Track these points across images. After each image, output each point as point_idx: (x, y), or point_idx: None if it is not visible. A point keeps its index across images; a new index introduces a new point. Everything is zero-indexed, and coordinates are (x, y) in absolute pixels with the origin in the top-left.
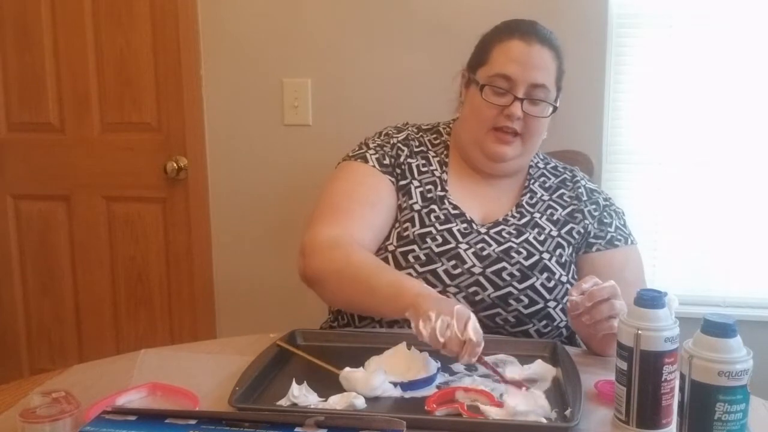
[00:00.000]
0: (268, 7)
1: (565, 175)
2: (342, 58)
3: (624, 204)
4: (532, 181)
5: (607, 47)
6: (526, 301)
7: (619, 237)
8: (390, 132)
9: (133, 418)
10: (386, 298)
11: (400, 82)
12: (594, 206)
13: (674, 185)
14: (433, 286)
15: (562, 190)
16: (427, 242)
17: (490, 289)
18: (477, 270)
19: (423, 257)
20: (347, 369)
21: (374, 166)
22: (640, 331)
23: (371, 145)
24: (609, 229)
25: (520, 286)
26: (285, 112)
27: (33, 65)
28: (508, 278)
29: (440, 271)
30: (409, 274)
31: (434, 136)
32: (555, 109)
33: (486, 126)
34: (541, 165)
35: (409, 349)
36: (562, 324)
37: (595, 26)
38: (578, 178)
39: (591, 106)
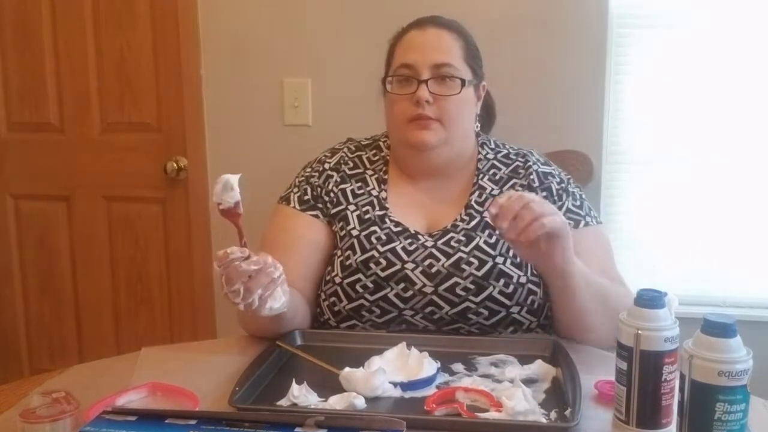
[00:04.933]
0: (268, 7)
1: (518, 162)
2: (342, 58)
3: (624, 204)
4: (481, 175)
5: (607, 47)
6: (486, 312)
7: (568, 221)
8: (323, 158)
9: (133, 418)
10: None
11: None
12: (545, 193)
13: (674, 185)
14: (388, 311)
15: (513, 180)
16: (371, 268)
17: (447, 307)
18: (428, 290)
19: (371, 285)
20: (347, 369)
21: (294, 207)
22: (640, 331)
23: (296, 182)
24: None
25: (477, 299)
26: (285, 112)
27: (33, 65)
28: (462, 293)
29: (391, 296)
30: (361, 304)
31: (374, 152)
32: (464, 83)
33: (402, 120)
34: (491, 156)
35: (409, 349)
36: (534, 326)
37: (595, 26)
38: (530, 164)
39: (591, 106)
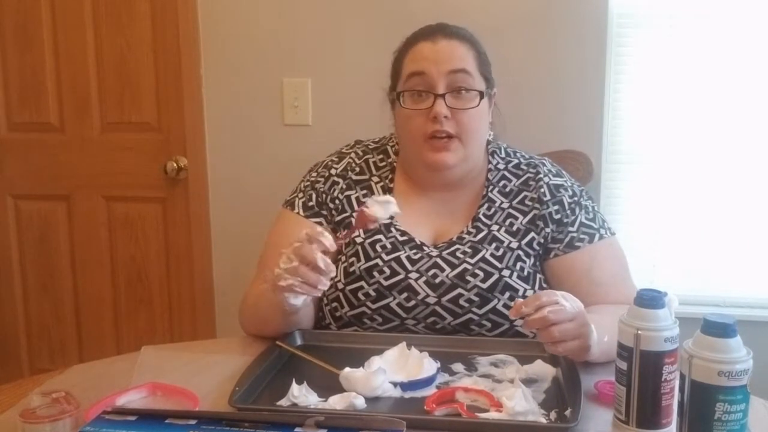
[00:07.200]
0: (268, 7)
1: (528, 174)
2: (342, 58)
3: (624, 204)
4: (491, 188)
5: (607, 47)
6: (489, 325)
7: (581, 236)
8: (330, 162)
9: (133, 418)
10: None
11: None
12: (557, 207)
13: (674, 185)
14: (390, 320)
15: (524, 193)
16: (374, 276)
17: (449, 318)
18: (432, 300)
19: (373, 293)
20: (347, 369)
21: (299, 213)
22: (640, 331)
23: (302, 187)
24: (570, 228)
25: (481, 311)
26: (285, 112)
27: (33, 65)
28: (466, 305)
29: (393, 305)
30: (363, 312)
31: (381, 157)
32: (482, 95)
33: (418, 137)
34: (501, 166)
35: (409, 349)
36: (537, 338)
37: (595, 26)
38: (541, 175)
39: (591, 106)
